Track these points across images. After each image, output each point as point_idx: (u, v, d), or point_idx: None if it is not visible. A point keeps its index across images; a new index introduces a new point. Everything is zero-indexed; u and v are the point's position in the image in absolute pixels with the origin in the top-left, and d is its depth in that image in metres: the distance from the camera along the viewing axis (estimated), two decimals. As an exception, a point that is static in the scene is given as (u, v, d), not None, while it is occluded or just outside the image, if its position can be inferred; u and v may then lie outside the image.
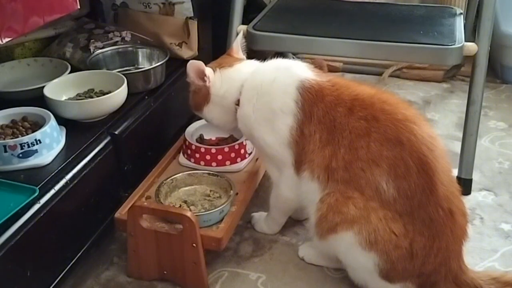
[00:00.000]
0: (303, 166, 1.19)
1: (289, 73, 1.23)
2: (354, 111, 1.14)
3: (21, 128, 1.24)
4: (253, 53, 1.43)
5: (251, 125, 1.25)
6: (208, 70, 1.27)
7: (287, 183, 1.26)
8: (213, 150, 1.41)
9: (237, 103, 1.26)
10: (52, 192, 1.12)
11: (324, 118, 1.16)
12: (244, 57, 1.37)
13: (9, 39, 0.99)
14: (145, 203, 1.25)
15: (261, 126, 1.24)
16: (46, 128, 1.20)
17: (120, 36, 1.65)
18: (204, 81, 1.27)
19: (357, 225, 1.10)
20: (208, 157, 1.41)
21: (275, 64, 1.27)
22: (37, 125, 1.25)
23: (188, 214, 1.16)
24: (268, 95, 1.22)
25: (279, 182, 1.29)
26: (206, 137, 1.52)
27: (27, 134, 1.20)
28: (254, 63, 1.30)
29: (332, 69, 2.24)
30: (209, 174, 1.37)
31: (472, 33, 1.84)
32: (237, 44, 1.37)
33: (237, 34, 1.64)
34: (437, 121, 1.93)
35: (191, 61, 1.26)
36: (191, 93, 1.33)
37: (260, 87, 1.24)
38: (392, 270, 1.11)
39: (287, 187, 1.26)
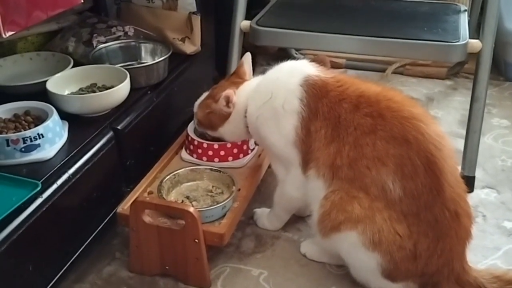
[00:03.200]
0: (310, 165, 1.18)
1: (292, 72, 1.23)
2: (359, 107, 1.13)
3: (23, 122, 1.23)
4: (256, 49, 1.43)
5: (256, 124, 1.26)
6: (235, 97, 1.29)
7: (293, 183, 1.26)
8: (216, 146, 1.41)
9: (246, 114, 1.28)
10: (55, 186, 1.12)
11: (329, 114, 1.15)
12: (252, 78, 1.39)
13: (12, 32, 0.98)
14: (148, 198, 1.25)
15: (265, 126, 1.24)
16: (48, 123, 1.20)
17: (123, 30, 1.65)
18: (229, 107, 1.29)
19: (362, 225, 1.09)
20: (210, 152, 1.41)
21: (278, 66, 1.28)
22: (39, 119, 1.25)
23: (191, 209, 1.15)
24: (270, 93, 1.22)
25: (285, 180, 1.29)
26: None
27: (30, 129, 1.19)
28: (261, 76, 1.32)
29: (335, 66, 2.23)
30: (211, 169, 1.37)
31: (476, 30, 1.83)
32: (249, 67, 1.39)
33: (240, 29, 1.65)
34: (440, 118, 1.93)
35: (227, 91, 1.28)
36: (205, 114, 1.34)
37: (264, 88, 1.25)
38: (395, 270, 1.10)
39: (293, 186, 1.26)
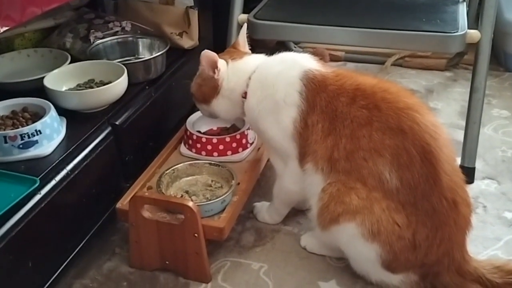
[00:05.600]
0: (307, 158, 1.18)
1: (293, 65, 1.23)
2: (356, 100, 1.13)
3: (21, 119, 1.23)
4: (254, 42, 1.42)
5: (256, 118, 1.25)
6: (220, 63, 1.26)
7: (291, 176, 1.25)
8: (215, 140, 1.41)
9: (244, 95, 1.26)
10: (53, 182, 1.12)
11: (326, 107, 1.15)
12: (249, 50, 1.36)
13: (7, 28, 0.98)
14: (147, 194, 1.25)
15: (265, 119, 1.24)
16: (46, 119, 1.19)
17: (120, 26, 1.64)
18: (214, 73, 1.26)
19: (360, 216, 1.09)
20: (209, 147, 1.41)
21: (280, 57, 1.27)
22: (37, 116, 1.25)
23: (190, 204, 1.15)
24: (272, 87, 1.22)
25: (283, 174, 1.28)
26: (207, 127, 1.51)
27: (28, 125, 1.19)
28: (261, 57, 1.30)
29: (334, 58, 2.23)
30: (210, 164, 1.36)
31: (475, 21, 1.82)
32: (243, 38, 1.37)
33: (238, 23, 1.65)
34: (440, 110, 1.92)
35: (205, 50, 1.25)
36: (197, 85, 1.32)
37: (265, 79, 1.24)
38: (394, 261, 1.10)
39: (291, 180, 1.26)
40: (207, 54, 1.25)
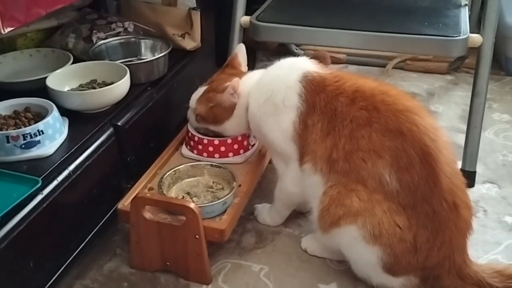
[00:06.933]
0: (305, 158, 1.19)
1: (292, 68, 1.24)
2: (355, 101, 1.14)
3: (23, 119, 1.23)
4: (256, 44, 1.43)
5: (257, 122, 1.27)
6: (241, 86, 1.29)
7: (292, 177, 1.26)
8: (216, 142, 1.41)
9: (247, 109, 1.29)
10: (55, 183, 1.12)
11: (325, 107, 1.16)
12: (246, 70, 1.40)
13: (12, 28, 0.98)
14: (148, 195, 1.25)
15: (266, 123, 1.25)
16: (48, 119, 1.20)
17: (123, 26, 1.64)
18: (235, 97, 1.30)
19: (361, 218, 1.09)
20: (211, 148, 1.41)
21: (278, 63, 1.29)
22: (39, 116, 1.25)
23: (191, 205, 1.15)
24: (271, 91, 1.23)
25: (284, 175, 1.29)
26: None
27: (30, 125, 1.19)
28: (261, 71, 1.33)
29: (335, 61, 2.23)
30: (212, 165, 1.37)
31: (477, 25, 1.83)
32: (244, 58, 1.39)
33: (240, 25, 1.65)
34: (441, 113, 1.93)
35: (235, 79, 1.27)
36: (208, 108, 1.34)
37: (265, 85, 1.26)
38: (395, 264, 1.10)
39: (292, 181, 1.26)
40: (236, 83, 1.27)
